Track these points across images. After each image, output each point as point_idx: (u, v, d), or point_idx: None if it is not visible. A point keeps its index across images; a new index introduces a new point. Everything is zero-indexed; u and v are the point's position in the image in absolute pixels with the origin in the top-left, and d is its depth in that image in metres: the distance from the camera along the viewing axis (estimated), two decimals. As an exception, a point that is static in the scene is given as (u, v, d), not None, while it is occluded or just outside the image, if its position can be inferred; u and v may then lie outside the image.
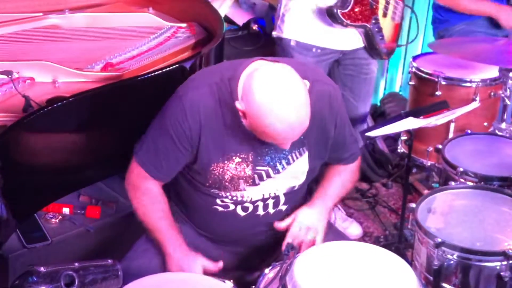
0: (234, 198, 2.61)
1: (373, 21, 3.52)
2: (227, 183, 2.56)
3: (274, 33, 3.65)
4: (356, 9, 3.43)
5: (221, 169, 2.54)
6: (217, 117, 2.49)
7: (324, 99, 2.59)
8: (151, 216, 2.62)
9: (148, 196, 2.62)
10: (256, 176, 2.57)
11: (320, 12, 3.47)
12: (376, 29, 3.55)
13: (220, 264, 2.59)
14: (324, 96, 2.58)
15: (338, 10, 3.40)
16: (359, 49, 3.65)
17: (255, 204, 2.64)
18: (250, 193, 2.61)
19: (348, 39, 3.58)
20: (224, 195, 2.61)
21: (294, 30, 3.55)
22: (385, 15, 3.60)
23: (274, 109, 2.27)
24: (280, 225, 2.64)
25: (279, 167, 2.59)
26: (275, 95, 2.28)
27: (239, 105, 2.36)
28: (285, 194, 2.66)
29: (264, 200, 2.64)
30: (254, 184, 2.58)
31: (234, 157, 2.54)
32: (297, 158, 2.61)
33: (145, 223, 2.64)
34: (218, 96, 2.48)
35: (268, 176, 2.59)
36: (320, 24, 3.50)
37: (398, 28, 3.73)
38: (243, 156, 2.54)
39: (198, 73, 2.75)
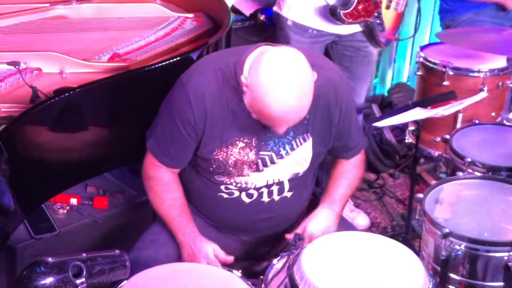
0: (239, 184, 2.61)
1: (376, 15, 3.49)
2: (231, 168, 2.57)
3: (274, 8, 3.65)
4: (360, 7, 3.42)
5: (225, 154, 2.55)
6: (221, 102, 2.50)
7: (330, 85, 2.58)
8: (163, 205, 2.64)
9: (160, 186, 2.64)
10: (259, 161, 2.57)
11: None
12: (378, 22, 3.53)
13: (231, 258, 2.59)
14: (330, 82, 2.58)
15: (341, 11, 3.39)
16: (357, 33, 3.62)
17: (260, 191, 2.63)
18: (254, 179, 2.60)
19: (346, 25, 3.54)
20: (228, 182, 2.61)
21: (292, 10, 3.53)
22: (388, 7, 3.58)
23: (275, 91, 2.27)
24: (291, 236, 2.61)
25: (282, 152, 2.58)
26: (280, 77, 2.28)
27: (244, 78, 2.37)
28: (289, 181, 2.65)
29: (268, 186, 2.63)
30: (258, 170, 2.58)
31: (237, 142, 2.54)
32: (301, 144, 2.60)
33: (157, 212, 2.67)
34: (222, 81, 2.49)
35: (272, 161, 2.58)
36: (318, 7, 3.48)
37: (399, 18, 3.71)
38: (246, 141, 2.54)
39: (202, 59, 2.76)
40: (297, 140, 2.59)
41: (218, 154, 2.55)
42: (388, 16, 3.57)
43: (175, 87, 2.56)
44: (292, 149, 2.59)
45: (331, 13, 3.41)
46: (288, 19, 3.54)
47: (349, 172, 2.78)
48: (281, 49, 2.40)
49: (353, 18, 3.42)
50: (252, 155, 2.56)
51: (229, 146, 2.54)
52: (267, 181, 2.62)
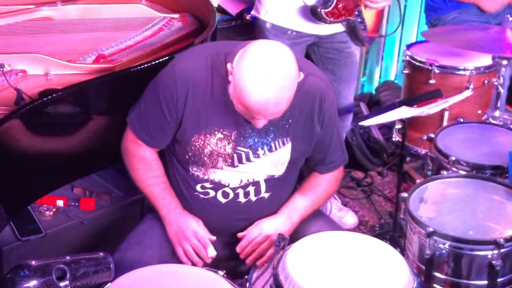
0: (213, 180, 2.61)
1: (356, 13, 3.49)
2: (205, 158, 2.57)
3: (252, 12, 3.64)
4: (340, 5, 3.40)
5: (202, 142, 2.56)
6: (206, 88, 2.52)
7: (315, 94, 2.59)
8: (145, 182, 2.67)
9: (141, 164, 2.67)
10: (235, 156, 2.57)
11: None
12: (359, 20, 3.52)
13: (214, 237, 2.62)
14: (315, 91, 2.59)
15: (322, 10, 3.38)
16: (337, 33, 3.60)
17: (236, 191, 2.64)
18: (227, 176, 2.61)
19: (326, 25, 3.51)
20: (203, 178, 2.61)
21: (270, 12, 3.52)
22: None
23: (255, 79, 2.29)
24: (242, 233, 2.65)
25: (260, 151, 2.59)
26: (262, 66, 2.30)
27: (229, 66, 2.39)
28: (265, 181, 2.65)
29: (244, 187, 2.63)
30: (232, 165, 2.59)
31: (216, 132, 2.55)
32: (279, 147, 2.60)
33: (140, 188, 2.70)
34: (211, 68, 2.51)
35: (248, 159, 2.59)
36: (296, 8, 3.47)
37: (380, 15, 3.70)
38: (226, 133, 2.55)
39: (198, 45, 2.80)
40: (277, 142, 2.59)
41: (196, 141, 2.56)
42: (368, 14, 3.57)
43: (165, 68, 2.60)
44: (270, 150, 2.60)
45: (312, 14, 3.40)
46: (267, 21, 3.52)
47: (320, 186, 2.77)
48: (270, 42, 2.43)
49: (335, 17, 3.41)
50: (229, 149, 2.56)
51: (207, 135, 2.55)
52: (241, 180, 2.62)
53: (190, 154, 2.58)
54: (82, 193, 3.37)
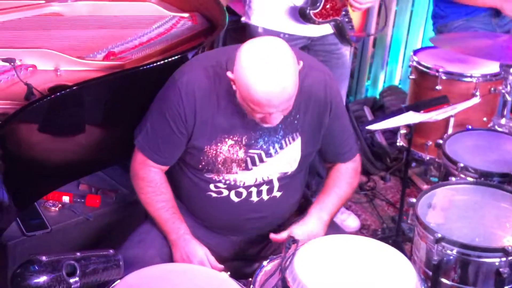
0: (228, 182, 2.62)
1: (343, 13, 3.51)
2: (220, 166, 2.57)
3: (243, 19, 3.65)
4: (328, 6, 3.42)
5: (214, 151, 2.56)
6: (211, 99, 2.51)
7: (320, 86, 2.60)
8: (154, 206, 2.64)
9: (150, 187, 2.64)
10: (248, 159, 2.58)
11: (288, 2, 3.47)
12: (346, 20, 3.54)
13: (222, 266, 2.58)
14: (319, 83, 2.60)
15: (311, 11, 3.39)
16: (328, 35, 3.62)
17: (249, 190, 2.64)
18: (243, 177, 2.61)
19: (317, 26, 3.53)
20: (217, 179, 2.61)
21: (262, 17, 3.53)
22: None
23: (258, 72, 2.29)
24: (275, 237, 2.62)
25: (271, 151, 2.59)
26: (261, 58, 2.31)
27: (230, 74, 2.38)
28: (279, 180, 2.66)
29: (257, 185, 2.64)
30: (246, 168, 2.59)
31: (227, 139, 2.55)
32: (290, 143, 2.61)
33: (149, 212, 2.67)
34: (213, 78, 2.51)
35: (261, 160, 2.59)
36: (287, 11, 3.49)
37: (365, 13, 3.72)
38: (236, 138, 2.55)
39: (194, 58, 2.78)
40: (287, 139, 2.60)
41: (207, 151, 2.56)
42: (355, 14, 3.59)
43: (167, 84, 2.58)
44: (281, 148, 2.60)
45: (301, 15, 3.42)
46: (259, 26, 3.54)
47: (342, 180, 2.77)
48: (260, 38, 2.45)
49: (323, 18, 3.43)
50: (241, 153, 2.57)
51: (219, 144, 2.55)
52: (256, 179, 2.63)
53: (203, 163, 2.58)
54: (88, 189, 3.37)
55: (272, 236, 2.62)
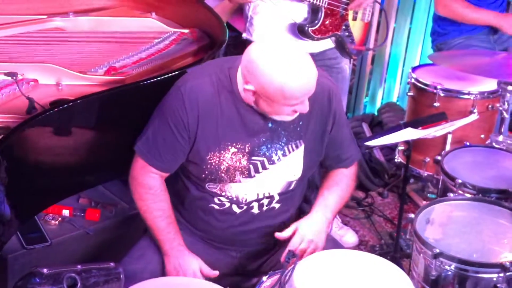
0: (230, 197, 2.63)
1: (344, 28, 3.53)
2: (223, 174, 2.59)
3: (244, 35, 3.68)
4: (327, 22, 3.45)
5: (217, 159, 2.57)
6: (215, 106, 2.53)
7: (325, 92, 2.63)
8: (151, 214, 2.65)
9: (149, 194, 2.65)
10: (251, 166, 2.59)
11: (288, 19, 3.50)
12: (347, 34, 3.57)
13: (216, 272, 2.61)
14: (324, 90, 2.63)
15: (309, 28, 3.42)
16: (328, 50, 3.65)
17: (250, 205, 2.66)
18: (245, 190, 2.62)
19: (316, 42, 3.56)
20: (219, 193, 2.63)
21: (263, 33, 3.56)
22: (355, 18, 3.61)
23: (284, 68, 2.34)
24: (281, 235, 2.64)
25: (274, 158, 2.61)
26: (279, 57, 2.35)
27: (247, 86, 2.41)
28: (279, 195, 2.68)
29: (259, 200, 2.66)
30: (249, 176, 2.60)
31: (230, 147, 2.57)
32: (293, 150, 2.63)
33: (145, 220, 2.67)
34: (217, 85, 2.53)
35: (264, 167, 2.60)
36: (287, 28, 3.51)
37: (367, 27, 3.74)
38: (239, 146, 2.57)
39: (198, 66, 2.80)
40: (290, 146, 2.62)
41: (211, 158, 2.57)
42: (356, 27, 3.61)
43: (170, 91, 2.60)
44: (284, 155, 2.62)
45: (299, 32, 3.45)
46: None
47: (343, 181, 2.80)
48: (260, 42, 2.48)
49: (322, 34, 3.46)
50: (244, 161, 2.58)
51: (222, 151, 2.56)
52: (258, 194, 2.64)
53: (206, 172, 2.59)
54: (88, 203, 3.38)
55: (277, 234, 2.65)
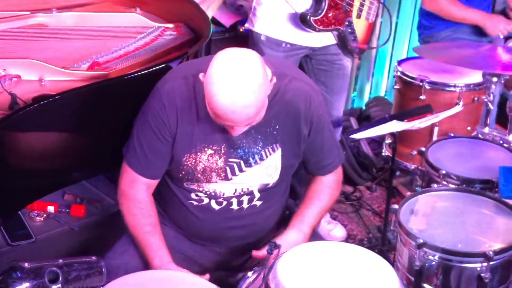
0: (207, 192, 2.62)
1: (347, 24, 3.53)
2: (199, 175, 2.58)
3: (246, 25, 3.67)
4: (330, 14, 3.45)
5: (194, 160, 2.56)
6: (191, 107, 2.52)
7: (301, 97, 2.59)
8: (140, 230, 2.62)
9: (138, 208, 2.63)
10: (228, 168, 2.58)
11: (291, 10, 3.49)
12: (349, 31, 3.56)
13: (207, 276, 2.58)
14: (301, 94, 2.59)
15: (311, 18, 3.42)
16: (330, 46, 3.64)
17: (230, 200, 2.65)
18: (223, 188, 2.61)
19: (319, 36, 3.56)
20: (197, 189, 2.62)
21: (265, 25, 3.56)
22: (359, 16, 3.61)
23: (222, 83, 2.26)
24: (257, 253, 2.61)
25: (251, 161, 2.59)
26: (229, 71, 2.27)
27: (201, 76, 2.37)
28: (259, 191, 2.66)
29: (238, 196, 2.64)
30: (226, 178, 2.59)
31: (206, 149, 2.55)
32: (270, 154, 2.61)
33: (133, 235, 2.64)
34: (193, 87, 2.51)
35: (240, 169, 2.59)
36: (290, 20, 3.51)
37: (371, 27, 3.75)
38: (215, 148, 2.56)
39: (177, 66, 2.79)
40: (266, 150, 2.60)
41: (187, 160, 2.56)
42: (359, 26, 3.61)
43: (150, 95, 2.58)
44: (262, 159, 2.60)
45: (301, 20, 3.44)
46: (262, 34, 3.56)
47: (323, 192, 2.77)
48: (237, 49, 2.39)
49: (324, 26, 3.45)
50: (220, 162, 2.57)
51: (198, 153, 2.55)
52: (236, 189, 2.63)
53: (183, 173, 2.59)
54: (73, 199, 3.38)
55: (254, 252, 2.62)
